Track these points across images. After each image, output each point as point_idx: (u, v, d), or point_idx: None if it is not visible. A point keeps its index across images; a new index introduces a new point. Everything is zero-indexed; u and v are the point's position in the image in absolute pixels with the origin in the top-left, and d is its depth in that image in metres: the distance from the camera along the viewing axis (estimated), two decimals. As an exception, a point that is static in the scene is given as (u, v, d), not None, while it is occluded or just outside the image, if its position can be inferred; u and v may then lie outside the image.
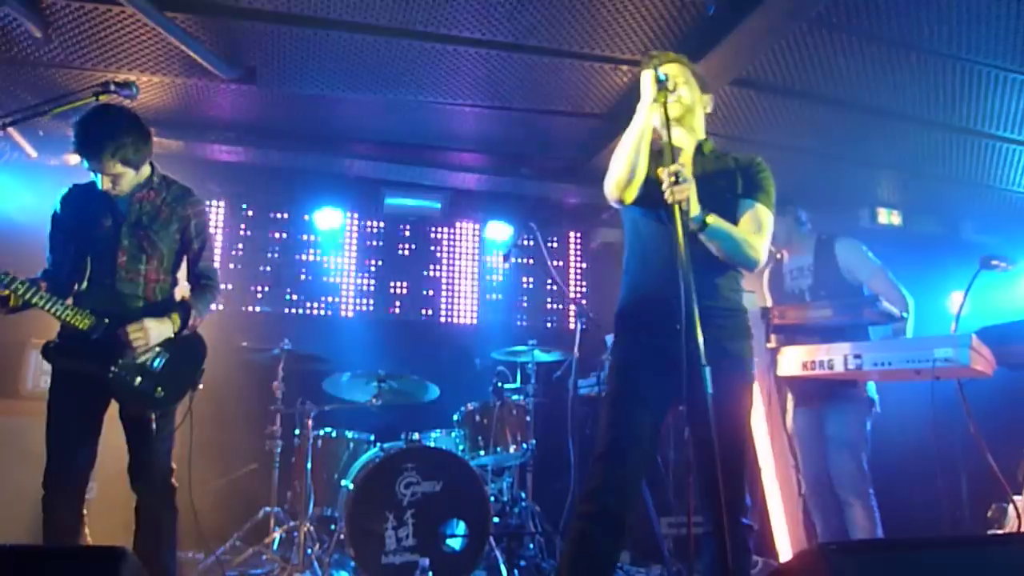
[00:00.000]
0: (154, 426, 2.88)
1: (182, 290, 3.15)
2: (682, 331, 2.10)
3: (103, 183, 2.88)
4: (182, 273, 3.16)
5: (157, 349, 2.91)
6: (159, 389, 2.91)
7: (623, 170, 2.46)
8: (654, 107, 2.43)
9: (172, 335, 2.94)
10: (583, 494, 2.39)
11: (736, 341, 2.50)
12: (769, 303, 4.12)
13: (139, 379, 2.87)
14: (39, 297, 2.75)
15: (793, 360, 3.47)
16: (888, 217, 5.62)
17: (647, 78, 2.45)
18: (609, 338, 4.88)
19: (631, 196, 2.49)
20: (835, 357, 3.32)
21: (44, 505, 2.75)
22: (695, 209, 2.36)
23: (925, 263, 5.25)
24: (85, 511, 2.84)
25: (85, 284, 2.88)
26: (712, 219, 2.40)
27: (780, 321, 3.63)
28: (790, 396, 3.96)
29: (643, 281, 2.53)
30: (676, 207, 2.24)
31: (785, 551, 4.04)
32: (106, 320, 2.82)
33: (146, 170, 3.01)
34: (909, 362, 3.11)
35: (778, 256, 4.19)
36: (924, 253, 5.55)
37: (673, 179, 2.26)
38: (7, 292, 2.70)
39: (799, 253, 4.08)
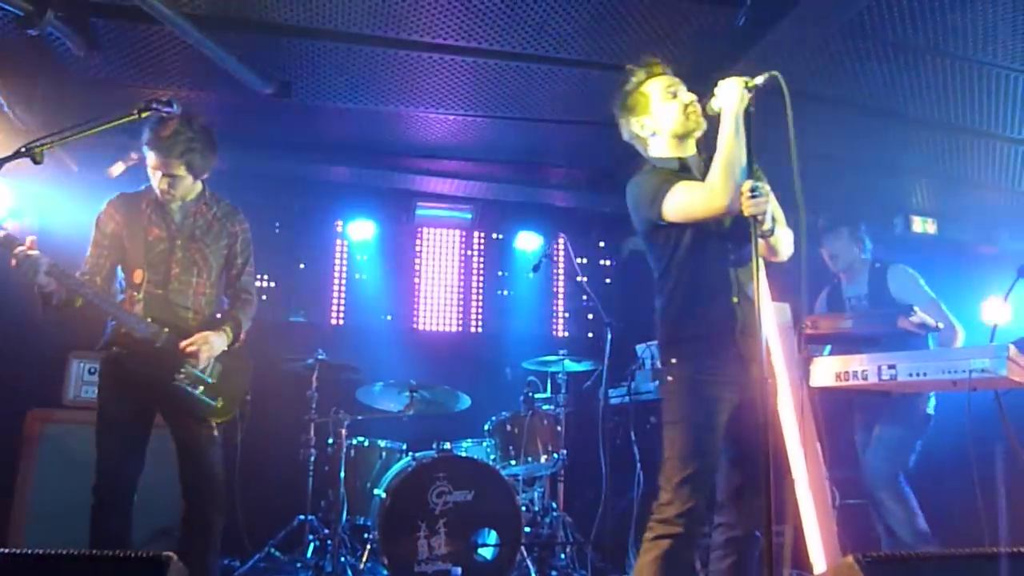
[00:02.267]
0: (215, 434, 2.96)
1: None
2: (754, 352, 2.26)
3: (159, 183, 2.95)
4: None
5: (212, 361, 2.99)
6: (219, 400, 2.99)
7: (741, 178, 2.37)
8: (741, 115, 2.41)
9: (225, 348, 3.02)
10: (674, 513, 2.37)
11: None
12: None
13: (200, 388, 2.95)
14: (105, 303, 2.83)
15: (826, 371, 3.44)
16: (923, 225, 5.54)
17: (734, 87, 2.40)
18: (641, 348, 4.90)
19: None
20: (869, 368, 3.28)
21: (94, 514, 2.81)
22: (768, 223, 2.41)
23: (961, 271, 5.18)
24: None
25: (141, 294, 2.95)
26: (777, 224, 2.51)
27: (813, 331, 3.60)
28: (857, 415, 3.94)
29: (707, 299, 2.53)
30: (752, 221, 2.31)
31: (819, 563, 3.99)
32: (165, 329, 2.90)
33: (199, 185, 3.10)
34: (945, 372, 3.07)
35: (835, 279, 4.17)
36: (959, 261, 5.47)
37: (751, 192, 2.32)
38: (52, 288, 2.74)
39: (855, 280, 4.06)
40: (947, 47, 3.66)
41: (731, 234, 2.52)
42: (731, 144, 2.38)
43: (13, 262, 2.65)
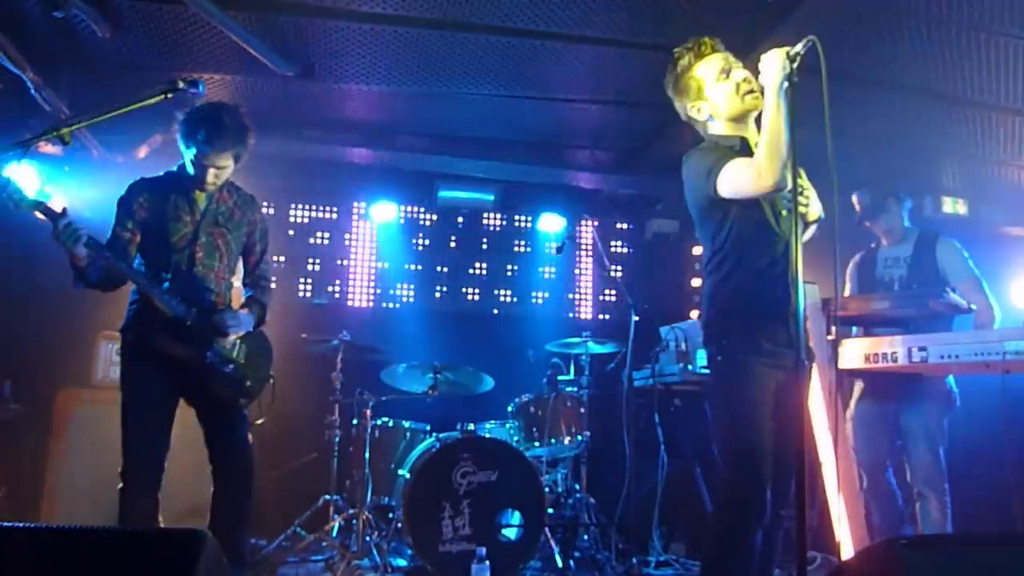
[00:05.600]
0: (245, 412, 3.00)
1: (237, 291, 3.25)
2: (793, 335, 2.19)
3: (208, 176, 2.97)
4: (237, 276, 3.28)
5: (238, 341, 3.02)
6: (247, 378, 3.02)
7: (787, 154, 2.29)
8: (788, 91, 2.30)
9: (251, 330, 3.05)
10: (742, 495, 2.39)
11: None
12: (853, 290, 4.09)
13: (230, 366, 2.98)
14: (141, 277, 2.88)
15: (855, 352, 3.40)
16: (953, 206, 5.45)
17: (775, 58, 2.31)
18: (665, 330, 4.87)
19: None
20: (899, 350, 3.23)
21: (122, 495, 2.83)
22: (814, 214, 2.59)
23: (992, 253, 5.08)
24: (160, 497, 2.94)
25: (169, 274, 2.98)
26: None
27: (842, 313, 3.56)
28: (857, 385, 3.91)
29: (763, 282, 2.49)
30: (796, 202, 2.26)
31: (846, 547, 3.97)
32: (194, 309, 2.93)
33: None
34: (978, 355, 3.02)
35: (872, 244, 4.15)
36: (991, 243, 5.37)
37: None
38: (87, 263, 2.79)
39: (897, 242, 4.05)
40: (982, 22, 3.57)
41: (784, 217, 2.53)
42: (775, 122, 2.31)
43: (55, 232, 2.68)
